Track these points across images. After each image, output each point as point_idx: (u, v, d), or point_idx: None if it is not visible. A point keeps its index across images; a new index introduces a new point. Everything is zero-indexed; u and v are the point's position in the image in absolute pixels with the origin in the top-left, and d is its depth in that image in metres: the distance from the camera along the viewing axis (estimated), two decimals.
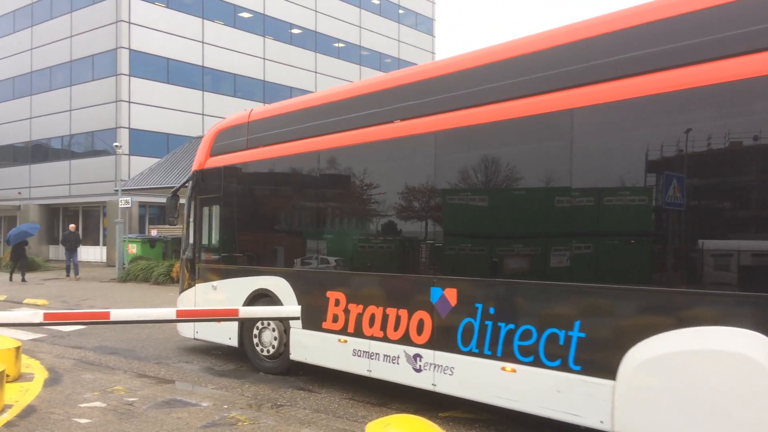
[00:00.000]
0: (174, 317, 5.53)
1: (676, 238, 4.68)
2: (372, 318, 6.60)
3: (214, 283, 8.83)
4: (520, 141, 5.63)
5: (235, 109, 40.20)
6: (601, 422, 4.69)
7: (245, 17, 41.40)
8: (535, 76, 5.45)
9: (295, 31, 44.44)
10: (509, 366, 5.33)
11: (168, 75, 37.29)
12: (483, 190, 5.94)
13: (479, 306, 5.62)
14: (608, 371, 4.63)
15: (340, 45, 47.40)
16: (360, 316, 6.72)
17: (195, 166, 9.46)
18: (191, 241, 9.41)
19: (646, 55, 4.77)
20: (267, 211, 8.65)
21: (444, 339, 5.89)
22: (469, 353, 5.65)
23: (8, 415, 5.83)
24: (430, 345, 6.01)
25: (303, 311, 6.50)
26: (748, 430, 3.94)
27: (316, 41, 45.61)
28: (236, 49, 40.40)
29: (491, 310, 5.53)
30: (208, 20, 39.29)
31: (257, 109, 9.26)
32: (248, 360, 8.26)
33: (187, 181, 9.75)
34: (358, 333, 6.71)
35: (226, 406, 6.30)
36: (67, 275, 22.55)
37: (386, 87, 7.04)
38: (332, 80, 44.66)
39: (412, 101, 6.52)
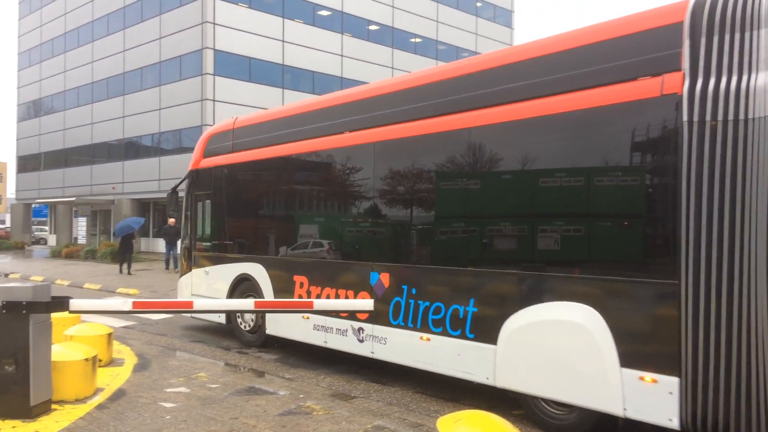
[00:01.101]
0: (252, 308, 5.71)
1: (535, 237, 5.87)
2: (327, 298, 7.73)
3: (207, 268, 10.19)
4: (428, 153, 6.83)
5: None
6: (487, 378, 6.01)
7: (324, 15, 42.04)
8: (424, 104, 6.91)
9: (373, 27, 44.75)
10: (425, 336, 6.59)
11: (250, 74, 38.38)
12: (402, 196, 7.28)
13: (405, 288, 6.85)
14: (492, 338, 5.91)
15: (417, 40, 47.37)
16: (318, 296, 7.85)
17: (190, 166, 10.68)
18: (188, 232, 10.76)
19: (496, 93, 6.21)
20: (247, 206, 9.81)
21: (380, 315, 6.96)
22: (398, 326, 6.91)
23: (100, 398, 6.20)
24: (370, 320, 7.18)
25: (273, 294, 8.49)
26: (577, 372, 5.26)
27: (393, 37, 45.78)
28: (315, 46, 41.10)
29: (413, 291, 6.77)
30: (288, 19, 40.15)
31: (241, 117, 10.32)
32: (315, 354, 8.42)
33: (184, 179, 10.86)
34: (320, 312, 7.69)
35: (301, 396, 6.46)
36: (167, 268, 23.06)
37: (337, 103, 8.31)
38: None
39: (356, 116, 7.74)
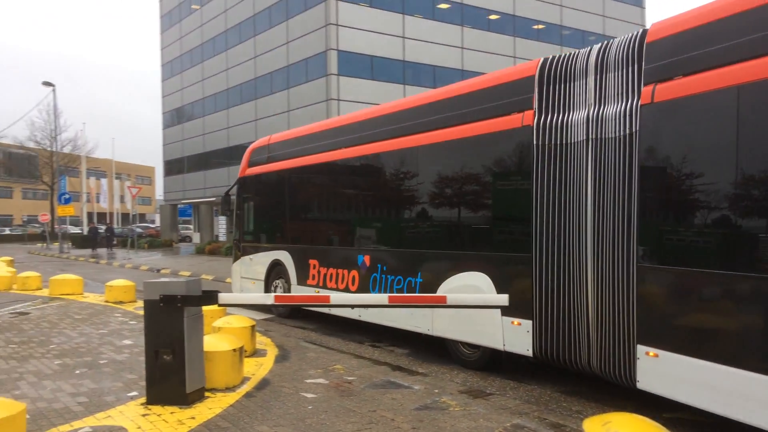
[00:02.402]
0: (386, 302, 5.80)
1: (452, 228, 8.09)
2: (331, 276, 10.22)
3: (251, 256, 12.69)
4: (388, 168, 9.29)
5: None
6: (428, 330, 8.21)
7: (443, 8, 41.88)
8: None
9: (493, 17, 43.98)
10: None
11: (372, 71, 39.04)
12: (374, 201, 9.74)
13: (378, 266, 9.13)
14: None
15: (540, 27, 45.98)
16: (325, 275, 10.34)
17: (239, 174, 13.18)
18: (238, 227, 13.23)
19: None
20: (276, 206, 12.10)
21: (363, 286, 9.36)
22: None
23: (247, 387, 6.56)
24: (358, 291, 9.49)
25: (296, 275, 11.03)
26: (479, 322, 7.26)
27: (514, 25, 44.74)
28: (435, 40, 41.06)
29: (384, 268, 9.02)
30: (408, 15, 40.40)
31: (275, 135, 12.82)
32: (444, 349, 8.42)
33: (234, 185, 13.33)
34: (324, 286, 10.36)
35: (436, 391, 6.48)
36: None
37: (339, 125, 10.76)
38: None
39: (345, 137, 10.13)
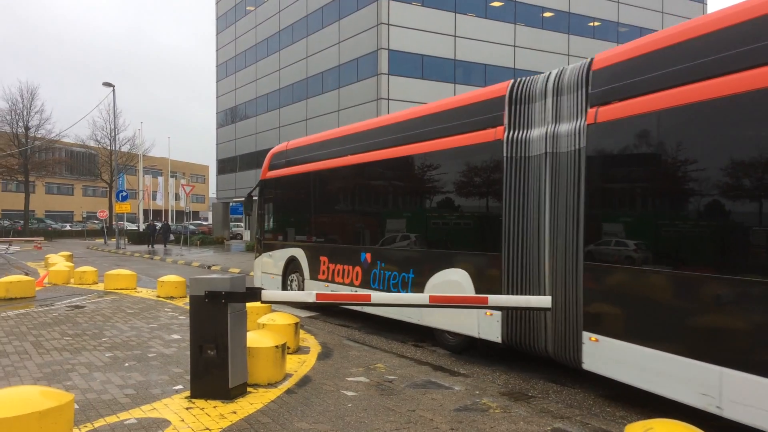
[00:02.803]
0: (427, 302, 5.76)
1: (441, 227, 9.10)
2: (338, 271, 11.21)
3: (271, 252, 13.72)
4: (382, 177, 10.42)
5: None
6: (419, 320, 9.17)
7: (496, 6, 41.45)
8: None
9: (547, 14, 43.28)
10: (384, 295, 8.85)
11: (422, 71, 38.96)
12: (372, 206, 10.70)
13: (378, 262, 10.12)
14: (420, 292, 8.82)
15: (596, 23, 45.00)
16: (334, 270, 11.35)
17: (261, 177, 14.25)
18: (259, 226, 14.36)
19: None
20: (293, 206, 13.17)
21: (366, 281, 10.37)
22: (374, 288, 10.12)
23: (288, 383, 6.62)
24: (361, 285, 10.48)
25: (309, 270, 12.08)
26: (459, 313, 8.15)
27: (569, 22, 43.93)
28: (487, 39, 40.68)
29: (383, 265, 10.01)
30: (460, 14, 40.14)
31: (292, 141, 13.77)
32: (489, 351, 8.30)
33: (256, 187, 14.44)
34: (333, 280, 11.34)
35: (477, 392, 6.41)
36: None
37: (345, 134, 11.55)
38: None
39: (349, 145, 11.07)
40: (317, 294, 6.11)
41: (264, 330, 7.46)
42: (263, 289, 6.18)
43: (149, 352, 8.00)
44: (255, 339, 6.61)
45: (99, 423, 5.20)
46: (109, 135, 55.51)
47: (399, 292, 9.41)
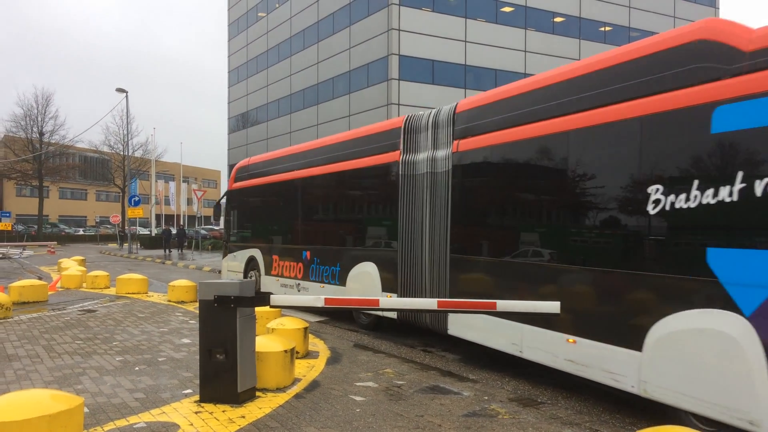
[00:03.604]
0: (435, 307, 5.76)
1: (358, 228, 10.87)
2: (286, 267, 13.11)
3: (235, 253, 15.69)
4: (317, 186, 12.18)
5: None
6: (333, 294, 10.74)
7: (507, 12, 41.46)
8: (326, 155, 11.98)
9: (558, 19, 43.24)
10: (322, 285, 11.55)
11: (432, 76, 38.98)
12: (310, 212, 12.47)
13: (316, 258, 11.92)
14: (344, 283, 10.87)
15: (607, 29, 44.89)
16: (283, 266, 13.23)
17: (228, 187, 16.40)
18: (227, 230, 16.40)
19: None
20: (252, 214, 15.25)
21: (306, 274, 12.23)
22: (313, 281, 11.94)
23: (297, 388, 6.64)
24: (302, 278, 12.35)
25: (264, 267, 14.07)
26: (369, 294, 9.93)
27: (580, 28, 43.87)
28: (497, 44, 40.68)
29: (318, 260, 11.84)
30: (470, 19, 40.18)
31: (254, 157, 15.70)
32: (499, 357, 8.28)
33: (223, 196, 16.58)
34: (282, 275, 13.22)
35: (486, 398, 6.39)
36: None
37: (291, 153, 13.61)
38: None
39: (294, 162, 13.08)
40: (326, 299, 6.12)
41: (273, 334, 7.48)
42: (272, 294, 6.18)
43: (159, 356, 8.05)
44: (264, 343, 6.63)
45: (109, 427, 5.23)
46: (122, 140, 55.98)
47: (330, 282, 11.38)
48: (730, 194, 5.04)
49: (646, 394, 5.63)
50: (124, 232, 43.05)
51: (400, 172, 9.44)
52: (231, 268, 16.00)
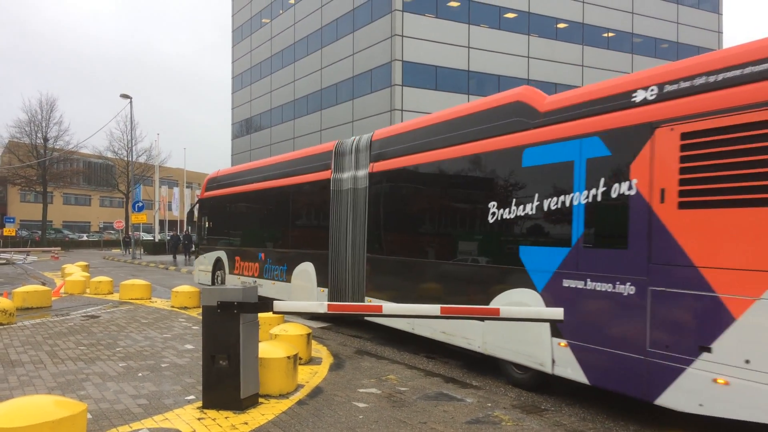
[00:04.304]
0: (438, 313, 5.75)
1: (301, 234, 12.88)
2: (246, 267, 15.17)
3: (205, 254, 17.79)
4: (270, 198, 14.30)
5: None
6: (288, 298, 12.49)
7: (510, 18, 41.51)
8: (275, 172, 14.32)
9: (561, 25, 43.28)
10: (272, 281, 13.64)
11: (436, 82, 39.02)
12: (263, 218, 14.77)
13: (269, 259, 13.93)
14: (288, 281, 12.86)
15: (610, 35, 44.91)
16: (243, 266, 15.30)
17: (199, 196, 18.91)
18: (198, 234, 18.76)
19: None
20: (219, 220, 17.31)
21: (262, 273, 14.22)
22: (266, 278, 13.97)
23: (300, 394, 6.63)
24: (258, 276, 14.38)
25: (228, 267, 16.15)
26: (308, 293, 12.11)
27: (582, 33, 43.89)
28: (500, 50, 40.71)
29: (270, 261, 13.87)
30: (474, 25, 40.23)
31: (222, 170, 17.91)
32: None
33: (195, 204, 19.06)
34: (242, 274, 15.29)
35: (489, 405, 6.37)
36: None
37: (252, 167, 15.81)
38: (600, 72, 42.49)
39: (254, 176, 15.32)
40: (329, 305, 6.12)
41: (276, 340, 7.48)
42: (276, 300, 6.21)
43: (162, 362, 8.05)
44: (267, 349, 6.63)
45: None
46: (126, 146, 56.10)
47: (279, 280, 13.54)
48: (531, 209, 7.13)
49: (486, 351, 7.71)
50: (128, 238, 43.09)
51: (331, 188, 11.46)
52: (201, 267, 18.06)
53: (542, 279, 6.92)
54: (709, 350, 5.23)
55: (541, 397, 7.00)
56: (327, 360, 8.48)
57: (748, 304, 5.03)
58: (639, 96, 6.08)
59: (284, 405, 6.18)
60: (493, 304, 7.47)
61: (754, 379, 4.91)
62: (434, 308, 5.92)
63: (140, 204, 35.25)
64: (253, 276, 14.79)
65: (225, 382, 5.90)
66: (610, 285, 6.14)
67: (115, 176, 63.30)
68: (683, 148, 5.52)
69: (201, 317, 11.52)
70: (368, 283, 10.33)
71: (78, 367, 7.72)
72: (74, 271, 21.08)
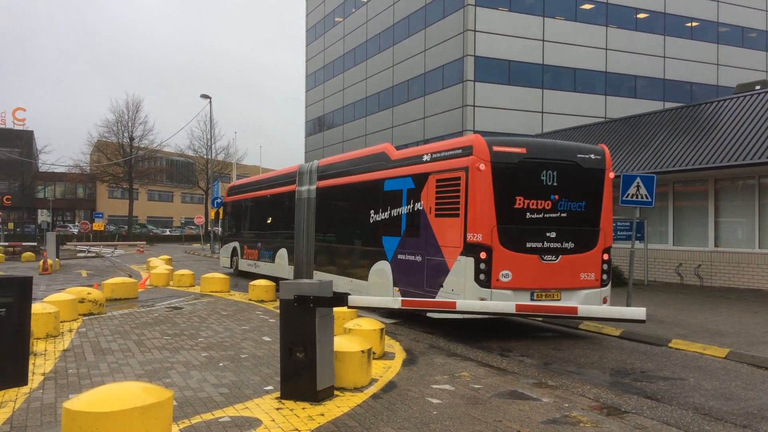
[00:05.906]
0: (513, 311, 5.68)
1: (281, 228, 18.81)
2: (251, 254, 21.05)
3: (227, 245, 23.96)
4: (265, 202, 20.76)
5: (575, 105, 39.08)
6: (270, 273, 19.09)
7: (587, 9, 40.36)
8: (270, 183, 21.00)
9: (641, 15, 41.72)
10: (265, 263, 19.64)
11: (509, 77, 38.40)
12: (259, 217, 21.36)
13: (264, 247, 19.92)
14: (273, 262, 19.01)
15: (694, 24, 42.93)
16: (248, 253, 21.31)
17: (224, 199, 25.27)
18: (224, 230, 25.39)
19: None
20: (237, 218, 23.14)
21: (259, 257, 20.28)
22: (261, 261, 20.02)
23: (374, 388, 6.69)
24: (257, 260, 20.45)
25: (240, 253, 22.62)
26: (282, 270, 18.21)
27: (664, 23, 42.14)
28: (576, 42, 39.66)
29: (264, 248, 19.91)
30: (548, 18, 39.35)
31: (238, 180, 26.79)
32: (578, 362, 8.07)
33: (221, 205, 27.90)
34: (248, 259, 21.35)
35: (566, 405, 6.24)
36: None
37: (257, 179, 22.80)
38: (683, 63, 40.71)
39: (254, 186, 22.50)
40: (402, 300, 6.16)
41: (350, 335, 7.57)
42: (349, 294, 6.30)
43: (242, 353, 8.31)
44: (341, 343, 6.72)
45: (196, 420, 5.45)
46: (205, 144, 58.09)
47: (268, 262, 19.03)
48: (387, 215, 12.14)
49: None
50: (209, 233, 44.67)
51: (296, 197, 16.92)
52: (224, 254, 24.34)
53: (390, 254, 11.98)
54: (442, 286, 10.27)
55: (621, 399, 6.80)
56: (400, 355, 8.53)
57: (452, 263, 10.05)
58: (426, 157, 11.20)
59: (359, 398, 6.26)
60: (372, 271, 12.50)
61: (454, 297, 9.70)
62: (509, 305, 5.86)
63: (219, 200, 36.43)
64: (254, 260, 20.58)
65: (302, 373, 6.03)
66: (412, 256, 11.22)
67: (196, 173, 65.67)
68: (437, 186, 10.63)
69: (277, 310, 11.84)
70: (315, 261, 15.55)
71: (163, 356, 8.07)
72: (158, 264, 22.05)
